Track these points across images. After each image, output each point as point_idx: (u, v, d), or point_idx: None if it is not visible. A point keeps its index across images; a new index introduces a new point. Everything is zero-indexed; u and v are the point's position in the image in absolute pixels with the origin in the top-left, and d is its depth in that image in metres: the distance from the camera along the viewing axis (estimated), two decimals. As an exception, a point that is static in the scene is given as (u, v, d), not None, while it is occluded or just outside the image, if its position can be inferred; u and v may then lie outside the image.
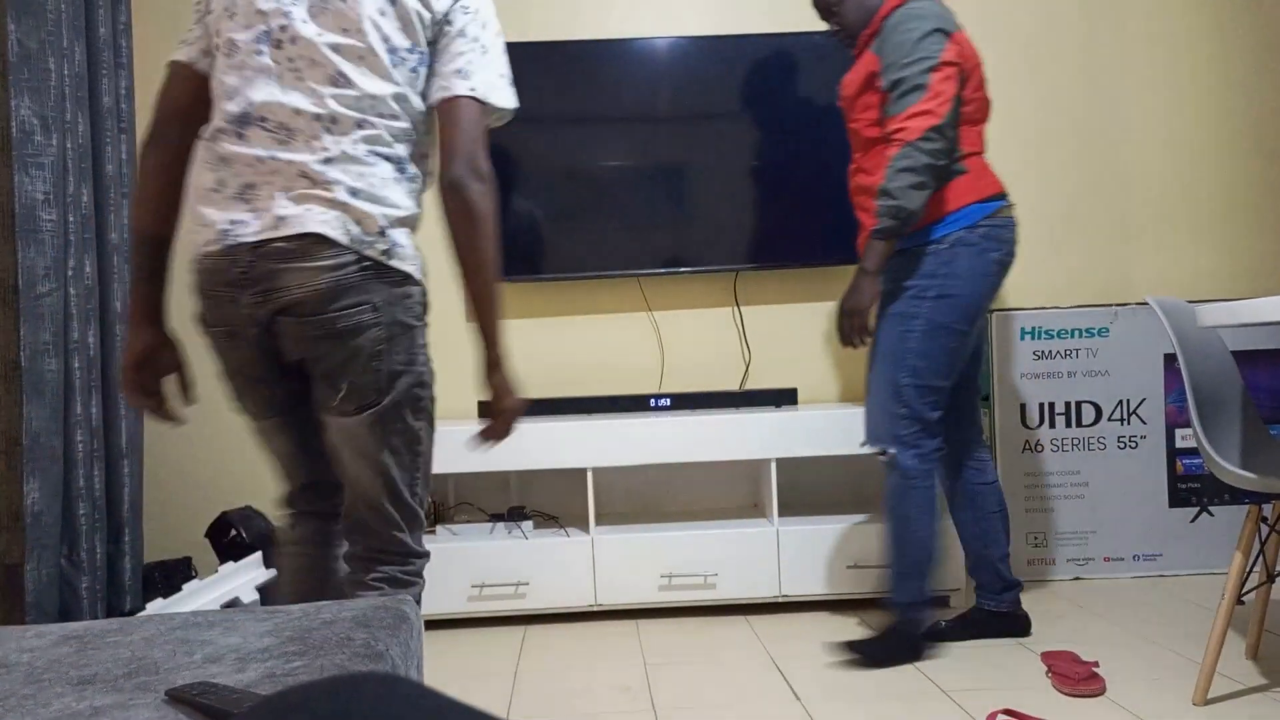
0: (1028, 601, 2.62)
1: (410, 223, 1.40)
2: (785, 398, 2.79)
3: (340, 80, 1.34)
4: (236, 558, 2.56)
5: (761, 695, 2.01)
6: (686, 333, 3.04)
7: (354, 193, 1.32)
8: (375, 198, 1.34)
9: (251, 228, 1.31)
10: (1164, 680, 2.00)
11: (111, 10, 2.60)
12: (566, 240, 2.88)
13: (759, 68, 2.89)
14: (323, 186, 1.31)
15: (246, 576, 2.42)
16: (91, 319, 2.45)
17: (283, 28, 1.35)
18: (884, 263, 2.06)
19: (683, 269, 2.89)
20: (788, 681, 2.08)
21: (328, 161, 1.32)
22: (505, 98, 1.44)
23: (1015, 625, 2.29)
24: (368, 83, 1.35)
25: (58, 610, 2.27)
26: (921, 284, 2.10)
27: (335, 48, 1.35)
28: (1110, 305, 2.87)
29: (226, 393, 1.53)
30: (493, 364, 1.41)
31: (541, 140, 2.87)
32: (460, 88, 1.39)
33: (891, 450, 2.13)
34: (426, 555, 1.46)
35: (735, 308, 3.03)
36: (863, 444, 2.29)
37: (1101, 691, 1.94)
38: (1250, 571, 1.88)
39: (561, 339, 3.02)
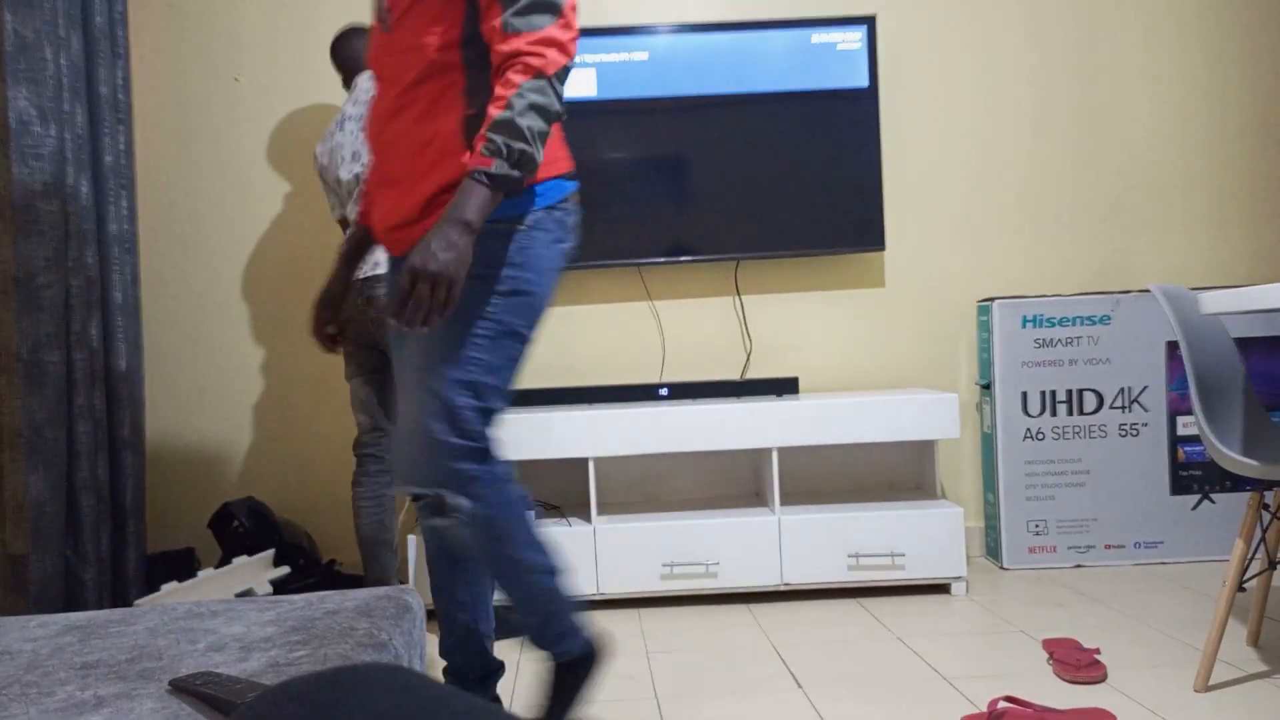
0: (1029, 590, 2.63)
1: None
2: (787, 387, 2.79)
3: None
4: (238, 548, 2.56)
5: (763, 683, 2.02)
6: (688, 322, 3.03)
7: None
8: None
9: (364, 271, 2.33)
10: (1165, 667, 2.00)
11: (108, 0, 2.59)
12: (567, 229, 2.87)
13: (761, 55, 2.88)
14: None
15: (261, 571, 2.42)
16: (93, 310, 2.45)
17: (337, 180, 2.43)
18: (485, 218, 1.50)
19: (684, 258, 2.88)
20: (789, 669, 2.09)
21: None
22: None
23: None
24: None
25: (63, 602, 2.27)
26: (493, 273, 1.57)
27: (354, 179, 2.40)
28: (1112, 293, 2.86)
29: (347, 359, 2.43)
30: None
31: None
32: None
33: (449, 496, 1.57)
34: None
35: (736, 296, 3.03)
36: (396, 487, 1.63)
37: (1103, 678, 1.94)
38: (1251, 559, 1.88)
39: (562, 329, 3.02)
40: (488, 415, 1.59)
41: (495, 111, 1.48)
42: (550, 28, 1.50)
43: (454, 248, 1.45)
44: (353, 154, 2.41)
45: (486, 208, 1.48)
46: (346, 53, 2.54)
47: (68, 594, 2.34)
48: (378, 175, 1.65)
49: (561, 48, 1.51)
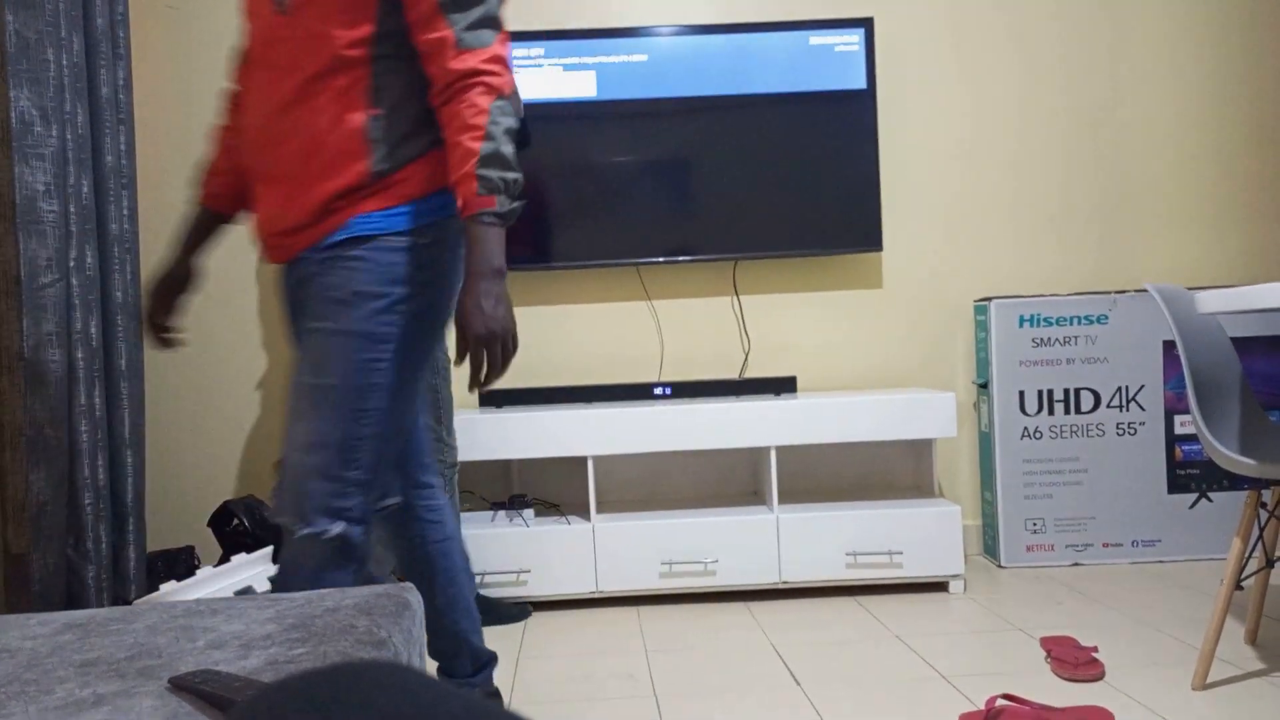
0: (1026, 588, 2.63)
1: None
2: (784, 386, 2.79)
3: None
4: (239, 547, 2.57)
5: (761, 681, 2.02)
6: (686, 321, 3.04)
7: None
8: None
9: None
10: (1163, 665, 2.01)
11: (109, 1, 2.59)
12: (566, 229, 2.88)
13: (759, 57, 2.88)
14: None
15: (260, 568, 2.43)
16: (94, 309, 2.46)
17: None
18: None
19: (682, 258, 2.89)
20: (787, 667, 2.10)
21: None
22: None
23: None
24: None
25: (64, 600, 2.28)
26: (396, 292, 1.44)
27: None
28: (1109, 292, 2.87)
29: None
30: None
31: (539, 131, 2.86)
32: None
33: (332, 530, 1.42)
34: None
35: (734, 296, 3.04)
36: (273, 517, 1.48)
37: (1101, 676, 1.95)
38: (1249, 557, 1.89)
39: (561, 328, 3.02)
40: (386, 443, 1.47)
41: (473, 143, 1.39)
42: (496, 44, 1.44)
43: (501, 300, 1.40)
44: None
45: (503, 244, 1.41)
46: None
47: (69, 592, 2.35)
48: (253, 168, 1.52)
49: (507, 64, 1.45)
